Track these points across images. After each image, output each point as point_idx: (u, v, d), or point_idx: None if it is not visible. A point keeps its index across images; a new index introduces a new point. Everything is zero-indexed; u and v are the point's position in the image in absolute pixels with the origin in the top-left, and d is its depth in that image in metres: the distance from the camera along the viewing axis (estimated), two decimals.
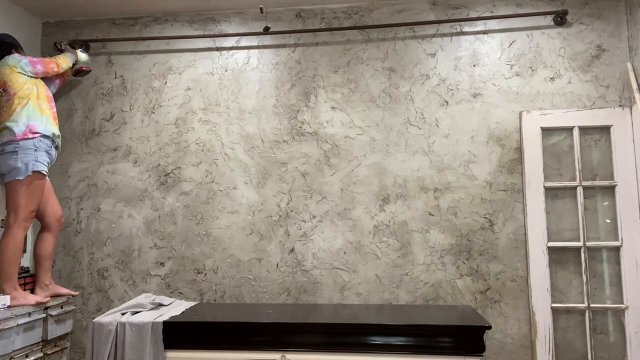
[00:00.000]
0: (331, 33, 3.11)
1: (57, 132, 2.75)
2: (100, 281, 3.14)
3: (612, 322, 2.76)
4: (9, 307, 2.47)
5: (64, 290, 2.83)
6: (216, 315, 2.52)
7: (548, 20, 2.96)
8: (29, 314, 2.58)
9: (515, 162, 2.91)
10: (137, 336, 2.35)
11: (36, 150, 2.59)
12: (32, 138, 2.59)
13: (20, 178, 2.55)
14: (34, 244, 2.83)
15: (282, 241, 3.02)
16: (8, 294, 2.51)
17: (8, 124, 2.59)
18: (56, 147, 2.76)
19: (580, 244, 2.78)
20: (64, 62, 2.92)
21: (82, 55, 3.14)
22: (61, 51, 3.10)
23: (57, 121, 2.78)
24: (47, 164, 2.67)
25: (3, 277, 2.54)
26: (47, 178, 2.73)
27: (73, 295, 2.86)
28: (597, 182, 2.82)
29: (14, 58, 2.70)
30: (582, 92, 2.90)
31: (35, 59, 2.75)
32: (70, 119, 3.28)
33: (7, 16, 3.08)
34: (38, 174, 2.60)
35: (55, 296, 2.77)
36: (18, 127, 2.58)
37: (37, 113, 2.64)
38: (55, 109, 2.79)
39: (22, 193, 2.56)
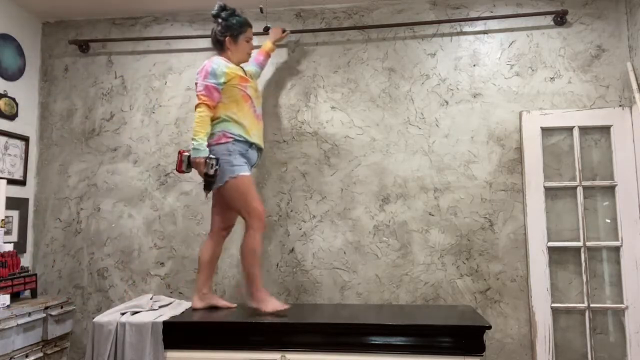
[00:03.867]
0: (331, 33, 3.11)
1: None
2: (100, 281, 3.14)
3: (612, 322, 2.76)
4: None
5: (222, 303, 2.70)
6: (216, 316, 2.51)
7: (548, 20, 2.96)
8: (29, 314, 2.58)
9: (515, 162, 2.90)
10: (137, 336, 2.35)
11: (230, 154, 2.48)
12: (226, 142, 2.48)
13: (221, 184, 2.48)
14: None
15: (282, 241, 3.02)
16: (256, 299, 2.50)
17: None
18: (259, 149, 2.64)
19: (580, 244, 2.78)
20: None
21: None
22: None
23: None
24: (245, 165, 2.53)
25: (247, 281, 2.53)
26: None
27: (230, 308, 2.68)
28: (597, 182, 2.82)
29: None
30: (582, 92, 2.90)
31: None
32: (70, 119, 3.28)
33: (7, 16, 3.08)
34: (236, 178, 2.47)
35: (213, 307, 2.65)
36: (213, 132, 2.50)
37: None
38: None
39: (233, 197, 2.50)
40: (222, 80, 2.47)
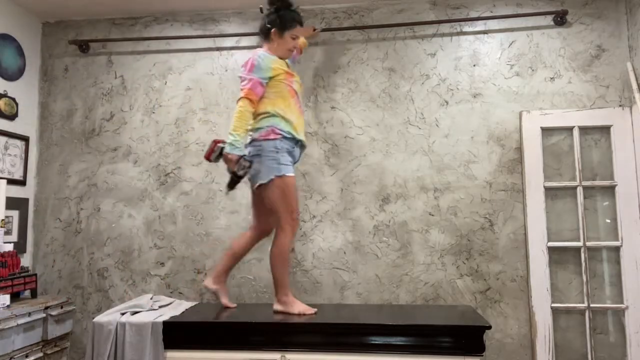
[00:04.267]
0: (331, 33, 3.11)
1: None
2: (100, 281, 3.14)
3: (612, 322, 2.76)
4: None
5: (225, 300, 2.66)
6: (216, 315, 2.52)
7: (548, 20, 2.96)
8: (29, 314, 2.58)
9: (515, 162, 2.90)
10: (137, 336, 2.35)
11: (277, 152, 2.40)
12: (274, 139, 2.40)
13: (264, 182, 2.39)
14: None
15: None
16: (282, 301, 2.48)
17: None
18: (302, 147, 2.55)
19: (580, 244, 2.78)
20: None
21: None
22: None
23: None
24: (291, 164, 2.46)
25: (275, 283, 2.50)
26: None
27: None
28: (597, 182, 2.82)
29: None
30: (582, 92, 2.90)
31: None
32: (70, 119, 3.28)
33: (7, 16, 3.08)
34: (282, 177, 2.40)
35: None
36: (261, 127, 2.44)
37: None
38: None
39: (274, 197, 2.41)
40: (268, 74, 2.40)
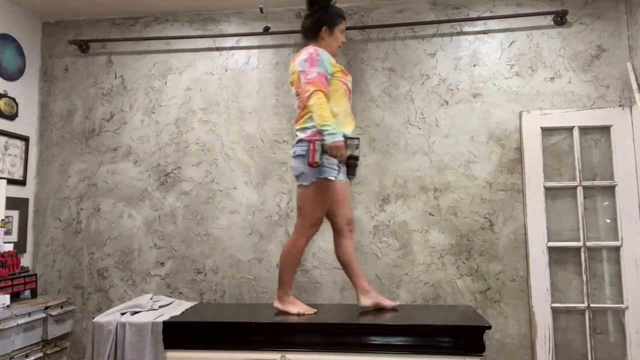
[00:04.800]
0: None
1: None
2: (100, 281, 3.14)
3: (612, 322, 2.76)
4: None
5: (387, 302, 2.51)
6: (216, 315, 2.51)
7: (548, 20, 2.96)
8: (29, 314, 2.58)
9: (515, 162, 2.90)
10: (137, 336, 2.35)
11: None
12: (321, 139, 2.26)
13: (306, 184, 2.34)
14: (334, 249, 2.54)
15: (282, 241, 3.02)
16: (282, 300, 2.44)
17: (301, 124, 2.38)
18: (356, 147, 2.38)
19: (580, 244, 2.78)
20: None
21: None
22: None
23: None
24: (337, 169, 2.36)
25: (279, 281, 2.44)
26: (341, 180, 2.44)
27: (394, 308, 2.51)
28: (597, 182, 2.82)
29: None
30: (582, 92, 2.90)
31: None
32: (70, 119, 3.28)
33: (7, 16, 3.08)
34: (324, 180, 2.33)
35: (378, 307, 2.49)
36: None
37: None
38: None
39: (306, 199, 2.36)
40: (330, 70, 2.33)
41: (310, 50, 2.35)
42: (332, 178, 2.35)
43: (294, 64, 2.42)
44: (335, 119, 2.28)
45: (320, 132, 2.24)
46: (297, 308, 2.44)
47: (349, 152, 2.24)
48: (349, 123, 2.41)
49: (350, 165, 2.27)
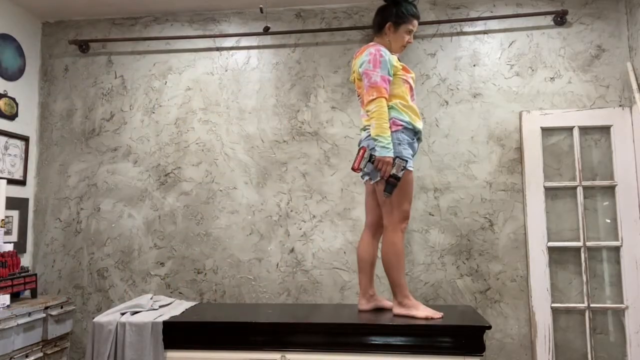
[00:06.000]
0: (331, 33, 3.11)
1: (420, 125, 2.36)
2: (100, 281, 3.14)
3: (612, 322, 2.76)
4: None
5: (388, 304, 2.47)
6: (216, 315, 2.51)
7: (548, 20, 2.96)
8: (29, 314, 2.58)
9: (515, 162, 2.90)
10: (137, 336, 2.35)
11: (399, 144, 2.26)
12: (395, 131, 2.25)
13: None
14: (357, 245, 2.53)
15: (282, 241, 3.02)
16: (404, 304, 2.32)
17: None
18: (418, 139, 2.38)
19: (580, 244, 2.78)
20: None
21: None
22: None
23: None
24: (411, 159, 2.32)
25: (392, 286, 2.34)
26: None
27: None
28: (597, 182, 2.82)
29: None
30: (582, 92, 2.90)
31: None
32: (70, 119, 3.28)
33: (7, 16, 3.08)
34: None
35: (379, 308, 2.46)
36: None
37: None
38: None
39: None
40: (392, 72, 2.30)
41: (372, 50, 2.30)
42: (411, 169, 2.31)
43: (356, 61, 2.38)
44: (410, 117, 2.29)
45: (394, 124, 2.25)
46: (424, 312, 2.30)
47: (393, 171, 2.21)
48: (419, 116, 2.38)
49: (390, 183, 2.23)
